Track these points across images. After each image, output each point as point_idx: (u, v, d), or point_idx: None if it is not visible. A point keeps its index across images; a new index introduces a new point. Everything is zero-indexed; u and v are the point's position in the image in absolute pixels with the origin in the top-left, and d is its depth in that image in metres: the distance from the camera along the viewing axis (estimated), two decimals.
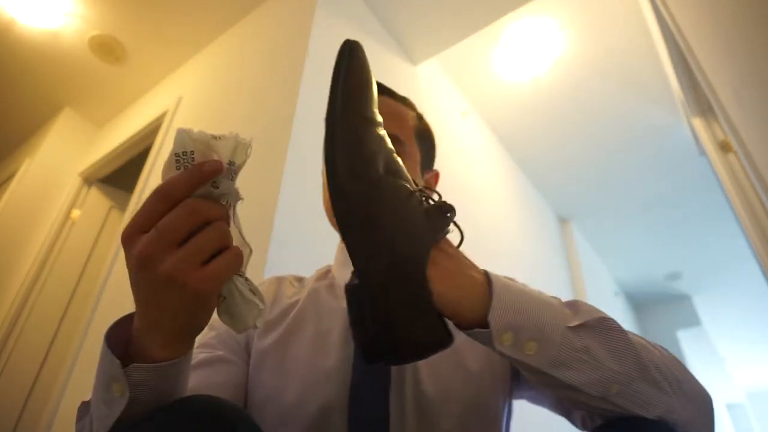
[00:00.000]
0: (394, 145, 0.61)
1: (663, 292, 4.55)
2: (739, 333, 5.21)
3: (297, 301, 0.66)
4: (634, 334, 0.47)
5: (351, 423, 0.52)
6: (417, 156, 0.71)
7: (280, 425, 0.54)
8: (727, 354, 5.52)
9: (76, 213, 2.44)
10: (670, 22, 1.50)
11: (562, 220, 3.57)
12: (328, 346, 0.58)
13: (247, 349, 0.62)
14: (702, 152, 2.17)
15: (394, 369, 0.56)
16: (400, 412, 0.53)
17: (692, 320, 4.48)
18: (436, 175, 0.78)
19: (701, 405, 0.45)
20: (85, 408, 0.44)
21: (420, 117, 0.76)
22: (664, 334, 4.45)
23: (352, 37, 0.48)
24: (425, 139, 0.75)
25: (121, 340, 0.39)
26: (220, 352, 0.59)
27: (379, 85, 0.68)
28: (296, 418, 0.53)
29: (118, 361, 0.37)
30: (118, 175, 2.54)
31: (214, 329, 0.63)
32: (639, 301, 4.77)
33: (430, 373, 0.56)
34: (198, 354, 0.58)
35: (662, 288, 4.48)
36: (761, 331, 5.17)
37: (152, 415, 0.37)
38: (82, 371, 1.56)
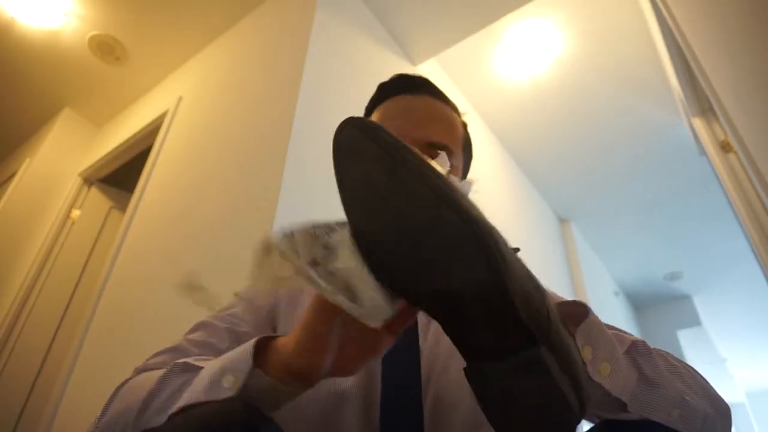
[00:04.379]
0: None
1: (663, 292, 4.54)
2: (739, 333, 5.20)
3: None
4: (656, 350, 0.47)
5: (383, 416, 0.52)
6: (460, 168, 0.68)
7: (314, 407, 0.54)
8: (727, 354, 5.51)
9: (76, 213, 2.44)
10: (670, 21, 1.50)
11: (562, 220, 3.57)
12: None
13: (273, 326, 0.62)
14: (702, 152, 2.17)
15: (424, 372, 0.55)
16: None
17: (692, 320, 4.47)
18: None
19: (724, 412, 0.45)
20: (173, 373, 0.44)
21: (465, 125, 0.72)
22: (664, 334, 4.44)
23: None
24: (467, 149, 0.72)
25: (262, 348, 0.41)
26: (245, 329, 0.59)
27: (430, 84, 0.68)
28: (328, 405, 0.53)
29: (252, 360, 0.38)
30: (118, 175, 2.54)
31: (243, 300, 0.63)
32: (639, 301, 4.76)
33: (448, 382, 0.55)
34: (223, 321, 0.59)
35: (662, 288, 4.48)
36: (761, 331, 5.17)
37: (170, 421, 0.37)
38: (82, 371, 1.55)
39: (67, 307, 2.29)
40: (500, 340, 0.29)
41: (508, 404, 0.29)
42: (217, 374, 0.39)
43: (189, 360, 0.45)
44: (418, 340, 0.58)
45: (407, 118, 0.63)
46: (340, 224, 0.36)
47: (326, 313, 0.36)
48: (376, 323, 0.32)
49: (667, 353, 0.48)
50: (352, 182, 0.36)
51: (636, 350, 0.43)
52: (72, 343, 1.67)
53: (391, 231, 0.32)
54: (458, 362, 0.55)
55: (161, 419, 0.40)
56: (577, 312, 0.42)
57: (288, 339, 0.40)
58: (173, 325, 0.58)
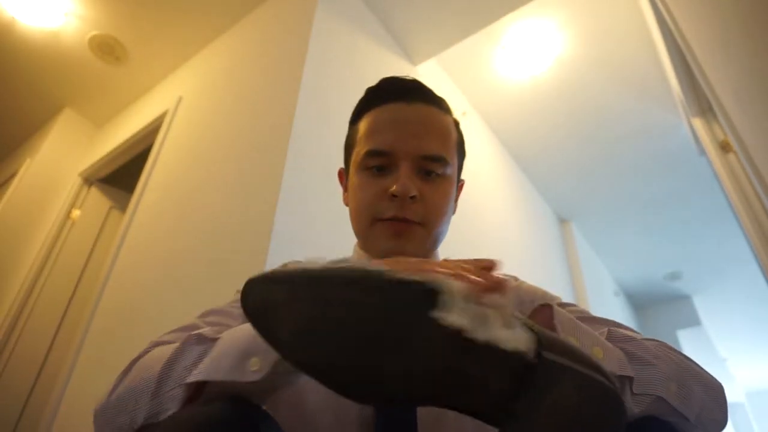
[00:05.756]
0: (437, 168, 0.60)
1: (663, 292, 4.55)
2: (739, 333, 5.20)
3: None
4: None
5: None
6: (456, 175, 0.65)
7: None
8: (727, 354, 5.51)
9: (76, 213, 2.44)
10: (669, 21, 1.50)
11: (562, 221, 3.57)
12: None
13: None
14: (702, 152, 2.17)
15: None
16: None
17: (692, 320, 4.47)
18: (461, 186, 0.72)
19: (720, 396, 0.45)
20: (196, 342, 0.43)
21: (457, 124, 0.69)
22: (664, 334, 4.44)
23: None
24: (460, 149, 0.69)
25: None
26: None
27: (423, 89, 0.65)
28: None
29: None
30: (118, 175, 2.54)
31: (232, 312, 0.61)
32: (639, 301, 4.76)
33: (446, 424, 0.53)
34: (236, 308, 0.58)
35: (662, 288, 4.48)
36: (761, 331, 5.17)
37: (173, 417, 0.37)
38: (82, 371, 1.56)
39: (67, 307, 2.29)
40: (513, 373, 0.29)
41: (557, 421, 0.28)
42: (242, 355, 0.38)
43: (203, 332, 0.44)
44: None
45: (401, 129, 0.60)
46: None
47: None
48: None
49: (663, 343, 0.47)
50: (290, 333, 0.32)
51: (613, 337, 0.44)
52: (72, 343, 1.67)
53: (363, 348, 0.30)
54: None
55: (179, 392, 0.39)
56: (545, 315, 0.42)
57: None
58: (174, 325, 0.58)
